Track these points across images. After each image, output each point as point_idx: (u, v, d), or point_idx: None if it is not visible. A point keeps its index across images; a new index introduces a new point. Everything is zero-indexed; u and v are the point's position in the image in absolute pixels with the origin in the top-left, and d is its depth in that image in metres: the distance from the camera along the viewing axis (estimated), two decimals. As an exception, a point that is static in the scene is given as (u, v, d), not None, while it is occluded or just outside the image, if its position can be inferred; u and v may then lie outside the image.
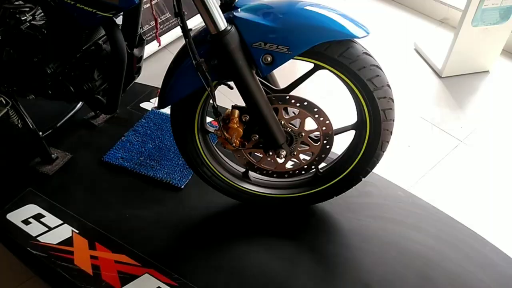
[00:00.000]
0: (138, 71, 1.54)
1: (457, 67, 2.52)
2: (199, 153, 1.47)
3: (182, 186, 1.75)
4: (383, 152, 1.42)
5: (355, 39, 1.20)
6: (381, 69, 1.28)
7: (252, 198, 1.59)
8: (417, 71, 2.63)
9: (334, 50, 1.18)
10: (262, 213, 1.62)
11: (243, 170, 1.57)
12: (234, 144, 1.31)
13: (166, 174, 1.80)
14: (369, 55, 1.24)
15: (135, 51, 1.49)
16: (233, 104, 1.32)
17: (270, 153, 1.37)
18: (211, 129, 1.45)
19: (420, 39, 2.88)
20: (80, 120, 2.10)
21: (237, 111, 1.30)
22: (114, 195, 1.75)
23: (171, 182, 1.77)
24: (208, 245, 1.55)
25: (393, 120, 1.36)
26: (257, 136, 1.34)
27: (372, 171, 1.45)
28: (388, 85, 1.30)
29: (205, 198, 1.71)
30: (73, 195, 1.75)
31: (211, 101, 1.23)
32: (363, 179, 1.50)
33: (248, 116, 1.30)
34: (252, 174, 1.58)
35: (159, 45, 1.57)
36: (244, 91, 1.22)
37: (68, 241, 1.59)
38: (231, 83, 1.26)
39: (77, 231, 1.62)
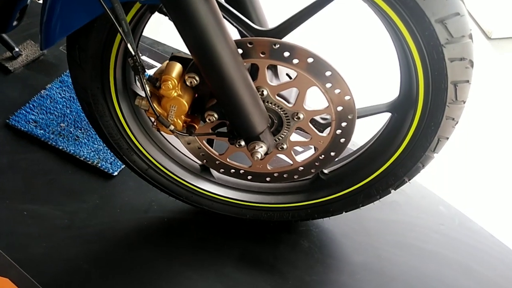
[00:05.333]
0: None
1: (510, 27, 2.04)
2: (122, 131, 0.87)
3: (115, 173, 1.19)
4: (436, 154, 0.84)
5: None
6: (462, 0, 0.66)
7: (214, 206, 1.02)
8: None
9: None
10: (229, 228, 1.10)
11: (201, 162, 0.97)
12: (172, 127, 0.71)
13: (93, 153, 1.22)
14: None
15: None
16: (173, 53, 0.71)
17: (240, 145, 0.77)
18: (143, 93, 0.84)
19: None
20: (-12, 62, 1.49)
21: (177, 67, 0.69)
22: (12, 179, 1.21)
23: (99, 165, 1.19)
24: (142, 276, 1.00)
25: (465, 102, 0.76)
26: (215, 116, 0.73)
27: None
28: (471, 36, 0.68)
29: (147, 195, 1.15)
30: (-47, 173, 1.18)
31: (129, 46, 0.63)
32: (393, 191, 0.92)
33: (197, 77, 0.69)
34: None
35: None
36: (187, 28, 0.61)
37: None
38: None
39: None
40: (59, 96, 1.38)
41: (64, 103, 1.36)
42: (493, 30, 2.05)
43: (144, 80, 0.67)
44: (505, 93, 1.72)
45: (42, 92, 1.39)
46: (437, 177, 1.30)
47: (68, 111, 1.33)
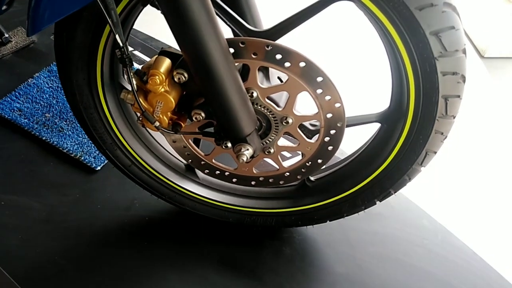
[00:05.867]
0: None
1: (504, 47, 2.03)
2: (106, 125, 0.85)
3: (98, 168, 1.16)
4: (423, 167, 0.83)
5: None
6: (458, 14, 0.66)
7: (197, 207, 1.00)
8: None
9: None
10: (211, 231, 1.08)
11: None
12: (157, 124, 0.69)
13: (77, 146, 1.19)
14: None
15: None
16: (163, 48, 0.69)
17: (226, 146, 0.75)
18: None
19: (461, 8, 2.25)
20: (-25, 47, 1.45)
21: (166, 62, 0.67)
22: (-8, 168, 1.15)
23: (82, 158, 1.16)
24: (120, 275, 0.98)
25: (455, 118, 0.76)
26: (202, 115, 0.71)
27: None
28: (464, 51, 0.68)
29: (129, 192, 1.12)
30: None
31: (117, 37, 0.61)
32: (378, 202, 0.91)
33: (185, 74, 0.67)
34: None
35: None
36: (178, 22, 0.59)
37: None
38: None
39: None
40: (47, 85, 1.35)
41: (51, 93, 1.33)
42: (487, 49, 2.05)
43: (131, 74, 0.65)
44: (494, 111, 1.73)
45: (29, 80, 1.36)
46: (423, 191, 1.30)
47: (54, 102, 1.31)
